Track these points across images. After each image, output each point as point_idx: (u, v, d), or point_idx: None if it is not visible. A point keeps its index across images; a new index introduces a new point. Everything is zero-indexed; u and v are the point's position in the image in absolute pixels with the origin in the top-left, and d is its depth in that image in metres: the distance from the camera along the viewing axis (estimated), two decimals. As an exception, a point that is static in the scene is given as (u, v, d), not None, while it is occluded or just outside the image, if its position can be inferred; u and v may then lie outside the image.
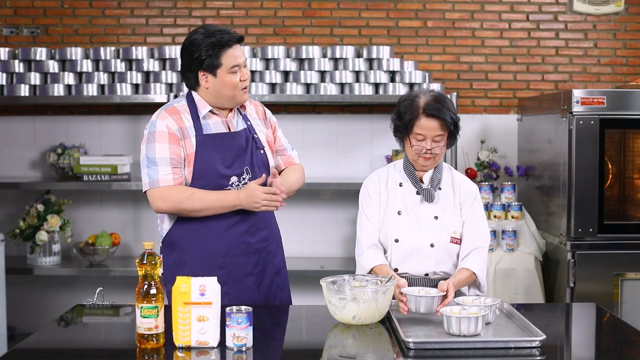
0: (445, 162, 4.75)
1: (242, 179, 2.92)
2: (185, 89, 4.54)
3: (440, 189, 2.95)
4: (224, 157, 2.91)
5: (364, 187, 3.05)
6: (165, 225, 2.98)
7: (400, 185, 2.98)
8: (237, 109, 3.02)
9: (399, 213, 2.95)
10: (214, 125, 2.95)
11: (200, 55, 2.87)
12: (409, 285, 2.77)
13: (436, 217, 2.93)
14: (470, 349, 2.38)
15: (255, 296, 2.99)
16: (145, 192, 2.96)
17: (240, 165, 2.93)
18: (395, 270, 2.92)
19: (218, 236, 2.92)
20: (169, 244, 2.97)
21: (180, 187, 2.86)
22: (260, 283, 3.00)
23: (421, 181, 2.96)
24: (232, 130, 2.97)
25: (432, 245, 2.91)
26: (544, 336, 2.39)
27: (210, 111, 2.94)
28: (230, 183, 2.91)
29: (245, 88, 2.94)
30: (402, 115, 2.90)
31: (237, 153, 2.94)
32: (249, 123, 3.03)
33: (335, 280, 2.76)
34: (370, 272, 2.91)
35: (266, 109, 3.16)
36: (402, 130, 2.91)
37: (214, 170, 2.89)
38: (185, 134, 2.89)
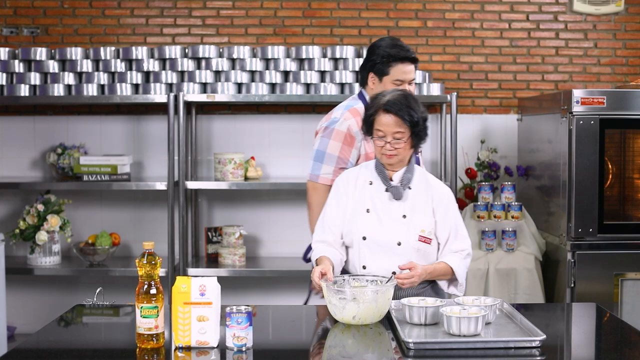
0: (444, 163, 4.79)
1: None
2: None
3: (410, 188, 2.98)
4: None
5: (334, 186, 3.10)
6: None
7: (371, 183, 3.01)
8: None
9: (367, 211, 2.97)
10: None
11: (375, 60, 3.29)
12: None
13: (404, 216, 2.95)
14: (470, 349, 2.38)
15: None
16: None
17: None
18: (364, 267, 2.95)
19: None
20: None
21: (323, 194, 3.21)
22: None
23: (391, 180, 2.99)
24: None
25: (399, 244, 2.92)
26: (544, 336, 2.39)
27: None
28: None
29: None
30: (367, 114, 2.98)
31: None
32: None
33: (336, 280, 2.76)
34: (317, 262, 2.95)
35: None
36: (367, 128, 2.98)
37: None
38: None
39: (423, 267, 2.84)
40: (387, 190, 2.96)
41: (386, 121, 2.89)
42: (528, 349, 2.38)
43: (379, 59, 3.27)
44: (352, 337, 2.56)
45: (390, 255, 2.92)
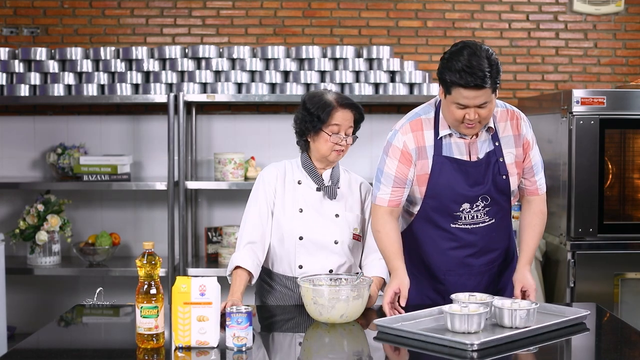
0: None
1: (475, 206, 2.85)
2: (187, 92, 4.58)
3: (339, 187, 3.01)
4: (459, 183, 2.84)
5: (261, 180, 3.01)
6: (401, 223, 3.00)
7: (299, 182, 3.00)
8: (486, 130, 2.85)
9: (300, 210, 2.97)
10: (456, 145, 2.85)
11: (444, 73, 2.70)
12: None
13: (337, 215, 2.97)
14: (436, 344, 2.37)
15: None
16: None
17: (476, 193, 2.84)
18: (300, 267, 2.95)
19: (440, 253, 2.93)
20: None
21: (382, 217, 2.86)
22: None
23: (321, 178, 3.00)
24: (472, 159, 2.85)
25: (336, 242, 2.95)
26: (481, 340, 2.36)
27: (449, 134, 2.84)
28: (461, 209, 2.86)
29: (469, 124, 2.73)
30: (315, 112, 2.90)
31: (475, 181, 2.85)
32: (497, 144, 2.87)
33: (312, 279, 2.77)
34: (232, 271, 2.92)
35: (523, 122, 2.95)
36: (317, 124, 2.89)
37: (447, 195, 2.84)
38: (422, 154, 2.85)
39: (374, 290, 2.90)
40: (318, 189, 2.98)
41: (344, 116, 2.92)
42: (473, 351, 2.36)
43: (448, 75, 2.68)
44: (350, 337, 2.56)
45: (327, 254, 2.95)
